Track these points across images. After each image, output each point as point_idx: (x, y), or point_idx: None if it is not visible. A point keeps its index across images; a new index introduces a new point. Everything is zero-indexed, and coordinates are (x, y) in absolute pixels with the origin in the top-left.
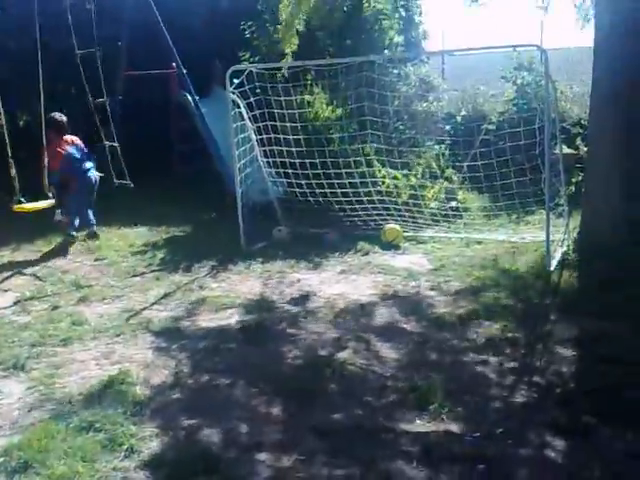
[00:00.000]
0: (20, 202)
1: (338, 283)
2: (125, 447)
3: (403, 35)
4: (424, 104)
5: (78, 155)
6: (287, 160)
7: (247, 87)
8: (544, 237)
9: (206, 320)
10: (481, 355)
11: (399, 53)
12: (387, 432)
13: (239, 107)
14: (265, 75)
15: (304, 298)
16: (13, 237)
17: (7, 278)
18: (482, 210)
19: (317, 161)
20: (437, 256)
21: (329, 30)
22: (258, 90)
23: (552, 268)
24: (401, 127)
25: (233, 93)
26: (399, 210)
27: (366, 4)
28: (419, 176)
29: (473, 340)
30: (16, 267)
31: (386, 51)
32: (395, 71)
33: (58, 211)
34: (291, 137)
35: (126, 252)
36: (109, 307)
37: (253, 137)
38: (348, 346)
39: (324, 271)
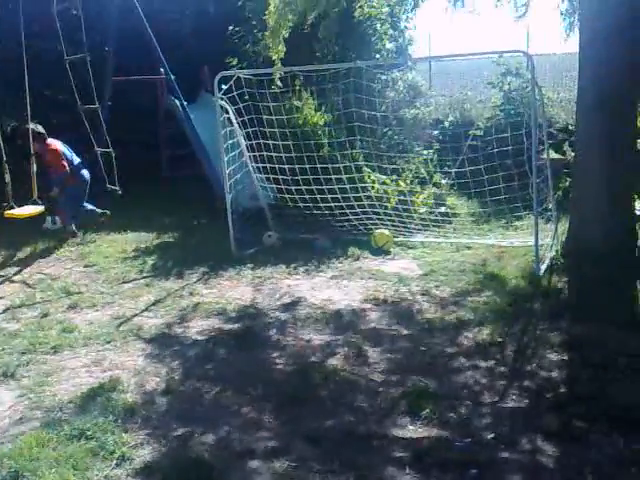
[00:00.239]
0: (11, 207)
1: (329, 289)
2: (117, 455)
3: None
4: (412, 110)
5: (68, 153)
6: (277, 166)
7: (235, 93)
8: (533, 242)
9: (197, 327)
10: (472, 360)
11: (386, 59)
12: (379, 438)
13: (228, 113)
14: (253, 81)
15: (295, 304)
16: (2, 244)
17: None
18: (471, 215)
19: (307, 167)
20: (427, 261)
21: (319, 36)
22: (247, 96)
23: (541, 273)
24: (390, 132)
25: (221, 99)
26: (389, 215)
27: (359, 9)
28: (408, 181)
29: (464, 345)
30: (5, 274)
31: (378, 56)
32: (383, 77)
33: (48, 218)
34: (280, 143)
35: (116, 258)
36: (99, 314)
37: (242, 143)
38: (339, 352)
39: (315, 277)
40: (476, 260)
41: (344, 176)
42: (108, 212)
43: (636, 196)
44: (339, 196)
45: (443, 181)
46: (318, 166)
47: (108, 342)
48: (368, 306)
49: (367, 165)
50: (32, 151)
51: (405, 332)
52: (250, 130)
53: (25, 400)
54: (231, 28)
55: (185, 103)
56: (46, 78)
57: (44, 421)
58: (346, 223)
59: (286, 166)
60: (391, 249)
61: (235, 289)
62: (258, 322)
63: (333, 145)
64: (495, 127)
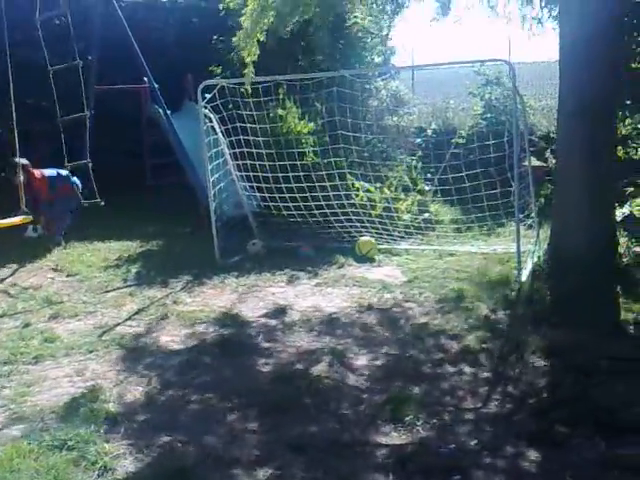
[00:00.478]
0: None
1: (313, 296)
2: (99, 465)
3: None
4: (395, 118)
5: (54, 171)
6: (261, 174)
7: (219, 102)
8: (515, 249)
9: (180, 335)
10: (455, 366)
11: (369, 68)
12: (363, 445)
13: (211, 121)
14: (237, 90)
15: (279, 311)
16: None
17: None
18: (454, 222)
19: (291, 175)
20: (411, 268)
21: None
22: (230, 105)
23: (523, 279)
24: (373, 141)
25: (205, 107)
26: (373, 223)
27: (354, 24)
28: (392, 189)
29: (447, 351)
30: None
31: (372, 58)
32: (367, 86)
33: (30, 227)
34: (264, 151)
35: (99, 267)
36: (82, 323)
37: (226, 151)
38: (323, 359)
39: (299, 284)
40: (459, 267)
41: (328, 184)
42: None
43: (617, 203)
44: (323, 204)
45: (426, 188)
46: (302, 174)
47: (90, 352)
48: (352, 313)
49: (351, 173)
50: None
51: (389, 339)
52: (234, 139)
53: (6, 410)
54: (215, 37)
55: (169, 112)
56: (28, 86)
57: (25, 431)
58: (330, 231)
59: (270, 174)
60: (375, 256)
61: (219, 297)
62: (242, 330)
63: (317, 153)
64: (477, 135)
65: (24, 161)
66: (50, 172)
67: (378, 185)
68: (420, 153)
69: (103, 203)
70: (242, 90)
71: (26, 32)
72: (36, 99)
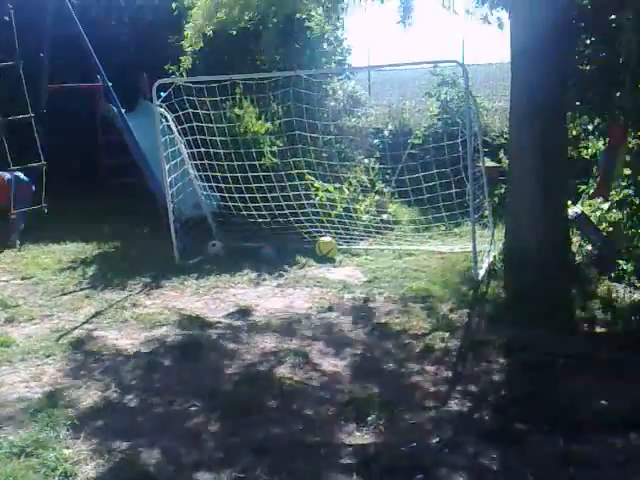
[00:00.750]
0: None
1: (275, 297)
2: (59, 472)
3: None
4: (352, 119)
5: (8, 174)
6: (219, 174)
7: (175, 100)
8: (471, 248)
9: (140, 338)
10: (416, 365)
11: (325, 68)
12: (326, 446)
13: (167, 120)
14: (193, 88)
15: (240, 313)
16: None
17: None
18: (412, 222)
19: (249, 175)
20: (371, 268)
21: (261, 46)
22: (186, 104)
23: (480, 278)
24: (332, 141)
25: (160, 106)
26: (333, 223)
27: (308, 30)
28: (352, 189)
29: (408, 351)
30: None
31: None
32: (324, 86)
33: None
34: (222, 151)
35: (55, 270)
36: (38, 327)
37: (183, 150)
38: (286, 360)
39: (260, 285)
40: (418, 266)
41: (287, 184)
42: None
43: (569, 202)
44: (283, 204)
45: (385, 189)
46: (261, 174)
47: (47, 356)
48: (314, 314)
49: (310, 173)
50: None
51: (351, 339)
52: (191, 138)
53: None
54: (170, 36)
55: (123, 111)
56: None
57: None
58: (291, 231)
59: (229, 174)
60: (335, 257)
61: (179, 299)
62: (204, 332)
63: (275, 153)
64: (433, 136)
65: None
66: (8, 175)
67: (337, 185)
68: (378, 154)
69: (46, 210)
70: (197, 88)
71: None
72: None
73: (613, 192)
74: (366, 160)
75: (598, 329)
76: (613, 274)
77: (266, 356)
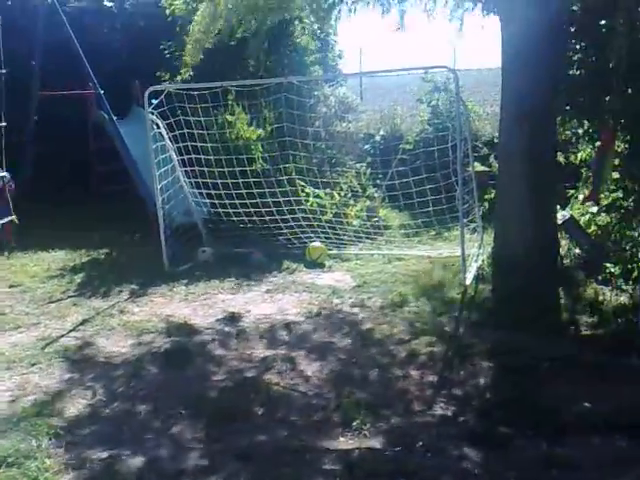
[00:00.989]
0: None
1: (264, 303)
2: None
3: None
4: (343, 124)
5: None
6: (210, 181)
7: (166, 107)
8: (460, 252)
9: (127, 346)
10: (403, 370)
11: (317, 75)
12: (311, 451)
13: (159, 127)
14: (184, 95)
15: (229, 319)
16: None
17: None
18: (402, 227)
19: (240, 181)
20: (360, 273)
21: (253, 51)
22: (178, 111)
23: (468, 282)
24: (323, 147)
25: (152, 113)
26: (323, 228)
27: (298, 33)
28: (342, 194)
29: (395, 355)
30: None
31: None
32: (315, 92)
33: None
34: (213, 157)
35: (42, 277)
36: (24, 336)
37: (174, 157)
38: (274, 366)
39: (249, 291)
40: (407, 271)
41: (278, 190)
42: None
43: (557, 206)
44: (273, 210)
45: (376, 194)
46: (252, 180)
47: (33, 365)
48: (302, 319)
49: (300, 179)
50: None
51: (338, 344)
52: (182, 145)
53: None
54: (163, 42)
55: (115, 118)
56: None
57: None
58: (281, 237)
59: (220, 181)
60: (325, 262)
61: (168, 306)
62: (191, 339)
63: (266, 159)
64: (423, 141)
65: None
66: None
67: (328, 191)
68: (369, 159)
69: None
70: (189, 95)
71: None
72: None
73: (602, 196)
74: (357, 165)
75: (584, 332)
76: (600, 277)
77: (253, 362)
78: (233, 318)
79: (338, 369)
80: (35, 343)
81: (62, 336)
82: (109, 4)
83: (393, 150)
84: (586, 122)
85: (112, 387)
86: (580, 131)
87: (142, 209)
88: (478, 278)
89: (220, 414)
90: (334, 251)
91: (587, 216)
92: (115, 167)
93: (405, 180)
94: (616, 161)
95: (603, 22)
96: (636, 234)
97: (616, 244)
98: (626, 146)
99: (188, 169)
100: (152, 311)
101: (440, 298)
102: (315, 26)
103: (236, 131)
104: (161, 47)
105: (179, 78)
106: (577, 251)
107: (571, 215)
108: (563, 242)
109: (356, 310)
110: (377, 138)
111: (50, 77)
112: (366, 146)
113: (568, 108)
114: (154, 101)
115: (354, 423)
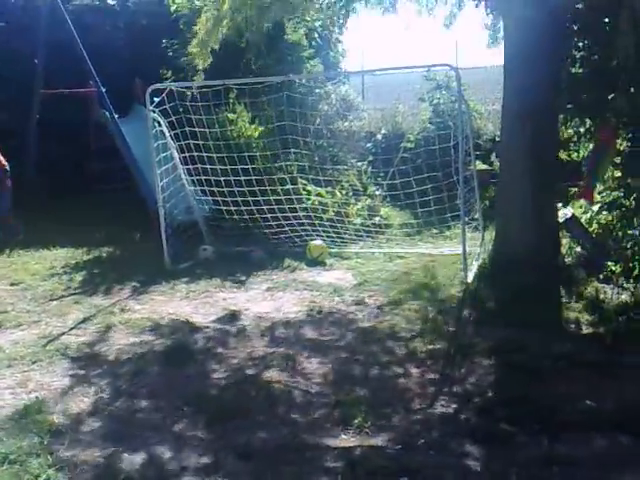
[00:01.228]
0: None
1: (264, 301)
2: (42, 479)
3: (320, 58)
4: (345, 123)
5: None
6: (211, 178)
7: (168, 105)
8: (461, 250)
9: (128, 344)
10: (404, 368)
11: (319, 73)
12: (312, 449)
13: (160, 125)
14: (186, 93)
15: (230, 317)
16: None
17: None
18: (403, 225)
19: (242, 179)
20: (361, 271)
21: (253, 49)
22: (180, 109)
23: (469, 280)
24: (324, 145)
25: (153, 111)
26: (324, 226)
27: (289, 30)
28: (344, 192)
29: (396, 353)
30: None
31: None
32: (316, 90)
33: None
34: (215, 155)
35: (44, 275)
36: (25, 333)
37: (175, 155)
38: (274, 364)
39: (250, 289)
40: (408, 269)
41: (279, 188)
42: None
43: (559, 204)
44: (275, 207)
45: (377, 192)
46: (253, 178)
47: (34, 362)
48: (303, 317)
49: (302, 177)
50: None
51: (339, 342)
52: (184, 143)
53: None
54: (165, 40)
55: (117, 116)
56: None
57: None
58: (282, 235)
59: (221, 178)
60: (326, 260)
61: (169, 304)
62: (192, 337)
63: (267, 158)
64: (425, 140)
65: None
66: None
67: (329, 189)
68: (370, 158)
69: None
70: (191, 93)
71: None
72: None
73: (597, 195)
74: (359, 163)
75: (585, 330)
76: (601, 275)
77: (254, 360)
78: (234, 316)
79: (339, 367)
80: (36, 341)
81: (63, 334)
82: (112, 2)
83: (394, 148)
84: (588, 120)
85: (113, 385)
86: (582, 129)
87: (143, 207)
88: (479, 276)
89: (221, 412)
90: (335, 249)
91: (588, 214)
92: (117, 165)
93: (406, 179)
94: (617, 159)
95: (607, 20)
96: (637, 232)
97: (617, 242)
98: (628, 144)
99: (190, 167)
100: (153, 309)
101: (441, 296)
102: (317, 23)
103: (238, 129)
104: (164, 45)
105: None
106: (578, 249)
107: (572, 213)
108: (564, 240)
109: (357, 308)
110: (378, 137)
111: (53, 76)
112: (368, 144)
113: (570, 106)
114: (156, 99)
115: (355, 421)
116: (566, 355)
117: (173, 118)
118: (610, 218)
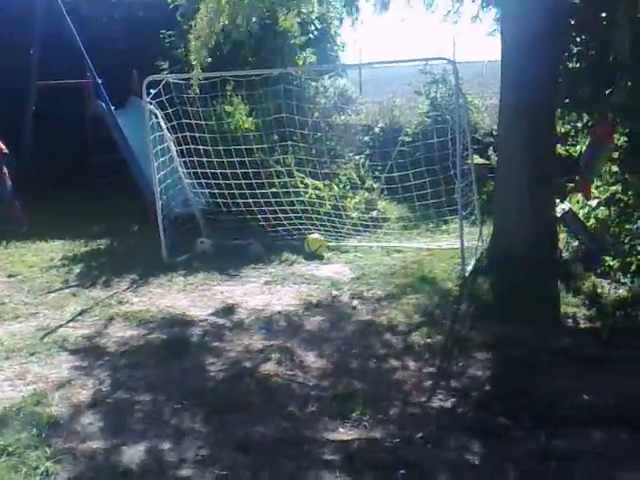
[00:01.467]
0: None
1: (262, 294)
2: (40, 471)
3: (315, 48)
4: (343, 116)
5: None
6: (209, 171)
7: (165, 97)
8: (459, 245)
9: (126, 336)
10: (401, 361)
11: (316, 65)
12: (310, 442)
13: (157, 117)
14: (183, 85)
15: (228, 310)
16: None
17: None
18: (401, 219)
19: (239, 172)
20: (359, 265)
21: (248, 42)
22: (177, 101)
23: (467, 274)
24: (322, 138)
25: (150, 103)
26: (322, 220)
27: (282, 20)
28: (341, 186)
29: (394, 347)
30: None
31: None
32: (313, 83)
33: None
34: (211, 148)
35: (41, 267)
36: (23, 325)
37: (172, 148)
38: (272, 357)
39: (248, 282)
40: (406, 263)
41: (277, 181)
42: None
43: (557, 199)
44: (272, 201)
45: (375, 185)
46: (251, 171)
47: (32, 354)
48: (301, 311)
49: (299, 170)
50: None
51: (337, 335)
52: (181, 135)
53: None
54: (162, 32)
55: (113, 107)
56: None
57: None
58: (279, 228)
59: (219, 171)
60: (324, 253)
61: (166, 296)
62: (190, 330)
63: (265, 150)
64: (422, 133)
65: None
66: None
67: (327, 182)
68: (368, 151)
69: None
70: (189, 85)
71: None
72: None
73: (594, 190)
74: (356, 157)
75: (583, 324)
76: (599, 270)
77: (251, 353)
78: (231, 309)
79: (337, 360)
80: (34, 333)
81: (61, 326)
82: None
83: (392, 142)
84: (585, 115)
85: (112, 377)
86: (579, 124)
87: (140, 200)
88: (477, 270)
89: (219, 405)
90: (333, 243)
91: (586, 209)
92: (113, 158)
93: (404, 172)
94: (615, 154)
95: (604, 15)
96: (635, 227)
97: (615, 237)
98: (626, 139)
99: (187, 159)
100: (151, 302)
101: (439, 290)
102: (313, 16)
103: (235, 122)
104: (160, 36)
105: (191, 75)
106: (576, 244)
107: (570, 208)
108: (562, 235)
109: (355, 302)
110: (376, 130)
111: (49, 67)
112: (365, 138)
113: (567, 101)
114: (152, 91)
115: (353, 414)
116: (563, 350)
117: (170, 110)
118: (608, 213)
